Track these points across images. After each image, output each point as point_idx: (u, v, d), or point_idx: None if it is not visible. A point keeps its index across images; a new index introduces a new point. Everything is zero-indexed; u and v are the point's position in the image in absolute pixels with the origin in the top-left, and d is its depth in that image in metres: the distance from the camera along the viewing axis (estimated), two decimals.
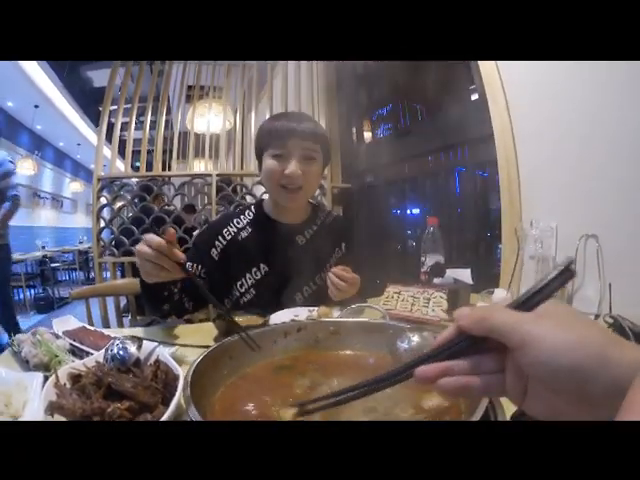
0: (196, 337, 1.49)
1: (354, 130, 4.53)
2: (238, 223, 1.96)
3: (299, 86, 4.46)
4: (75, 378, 0.93)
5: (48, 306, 9.88)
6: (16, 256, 10.01)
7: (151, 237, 1.36)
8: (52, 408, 0.83)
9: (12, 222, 10.65)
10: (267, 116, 4.18)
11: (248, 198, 4.14)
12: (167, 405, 0.84)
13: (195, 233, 3.73)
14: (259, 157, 1.95)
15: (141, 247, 1.38)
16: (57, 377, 0.92)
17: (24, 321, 8.71)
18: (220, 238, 1.91)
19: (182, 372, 0.91)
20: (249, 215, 2.00)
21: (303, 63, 4.54)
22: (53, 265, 11.68)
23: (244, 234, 1.93)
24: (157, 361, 0.97)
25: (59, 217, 16.12)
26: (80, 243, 15.51)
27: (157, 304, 1.65)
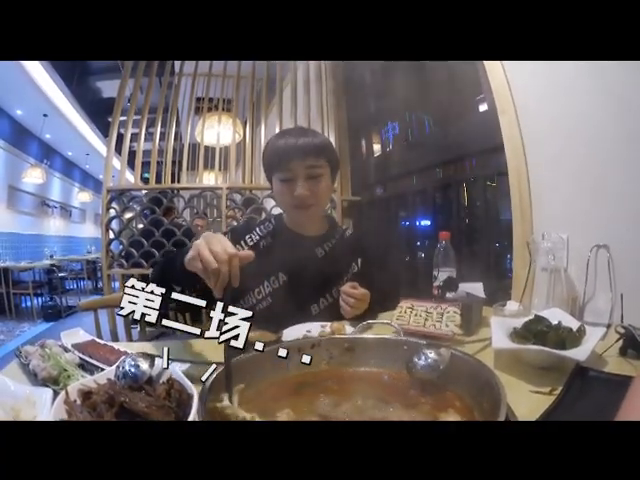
0: (207, 352, 1.47)
1: (363, 142, 4.52)
2: (261, 232, 1.99)
3: (308, 98, 4.46)
4: (86, 395, 0.91)
5: (55, 314, 9.92)
6: (24, 264, 10.06)
7: (221, 250, 1.24)
8: None
9: (20, 230, 10.74)
10: (277, 129, 4.19)
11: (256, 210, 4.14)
12: None
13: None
14: (269, 179, 1.99)
15: (204, 250, 1.25)
16: (67, 393, 0.90)
17: (31, 329, 8.75)
18: (242, 243, 1.93)
19: (196, 391, 0.89)
20: (269, 227, 2.02)
21: (312, 75, 4.54)
22: (61, 274, 11.71)
23: (265, 243, 1.96)
24: (170, 379, 0.95)
25: (67, 226, 16.20)
26: (88, 253, 15.56)
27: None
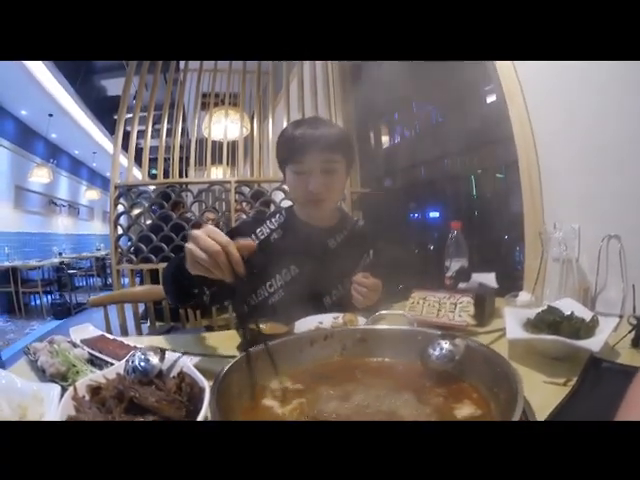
0: (219, 346, 1.46)
1: (372, 134, 4.50)
2: (271, 225, 1.97)
3: (315, 91, 4.43)
4: (94, 390, 0.90)
5: (65, 312, 9.99)
6: (32, 262, 10.12)
7: (210, 243, 1.14)
8: None
9: (28, 229, 10.77)
10: (284, 122, 4.17)
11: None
12: (192, 419, 0.81)
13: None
14: (282, 169, 1.95)
15: (195, 249, 1.17)
16: (75, 389, 0.89)
17: (41, 327, 8.79)
18: (253, 237, 1.90)
19: (207, 384, 0.88)
20: (280, 219, 2.00)
21: (319, 68, 4.52)
22: (70, 271, 11.76)
23: (276, 235, 1.93)
24: (181, 373, 0.94)
25: (76, 224, 16.26)
26: (97, 250, 15.64)
27: (184, 299, 1.64)
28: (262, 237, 1.91)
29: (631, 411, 0.67)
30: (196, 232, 1.19)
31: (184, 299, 1.67)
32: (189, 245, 1.21)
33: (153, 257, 3.84)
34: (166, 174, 4.30)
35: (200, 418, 0.79)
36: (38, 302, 10.32)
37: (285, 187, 3.83)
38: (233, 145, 5.11)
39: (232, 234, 2.03)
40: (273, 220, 1.99)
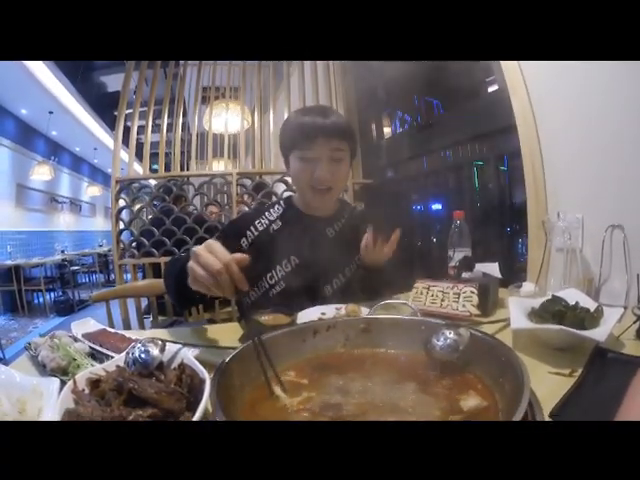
0: (220, 338, 1.46)
1: (373, 126, 4.49)
2: (270, 216, 1.96)
3: (316, 83, 4.42)
4: (94, 383, 0.89)
5: (68, 309, 10.04)
6: (35, 260, 10.13)
7: (212, 261, 1.12)
8: (69, 416, 0.79)
9: (30, 227, 10.78)
10: (285, 114, 4.16)
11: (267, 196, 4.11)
12: (192, 411, 0.81)
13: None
14: (285, 155, 1.93)
15: (196, 267, 1.16)
16: (75, 382, 0.88)
17: (44, 324, 8.80)
18: (252, 228, 1.91)
19: (208, 375, 0.87)
20: (279, 210, 2.00)
21: (320, 60, 4.51)
22: (73, 268, 11.81)
23: (275, 227, 1.93)
24: (182, 364, 0.94)
25: (78, 221, 16.29)
26: (100, 246, 15.67)
27: (187, 305, 1.63)
28: (261, 229, 1.91)
29: (631, 410, 0.66)
30: (197, 249, 1.18)
31: (185, 303, 1.67)
32: (190, 263, 1.20)
33: (155, 251, 3.84)
34: (167, 168, 4.30)
35: (200, 410, 0.78)
36: (41, 300, 10.34)
37: (287, 179, 3.83)
38: (234, 138, 5.10)
39: (232, 226, 2.05)
40: (272, 211, 1.99)
